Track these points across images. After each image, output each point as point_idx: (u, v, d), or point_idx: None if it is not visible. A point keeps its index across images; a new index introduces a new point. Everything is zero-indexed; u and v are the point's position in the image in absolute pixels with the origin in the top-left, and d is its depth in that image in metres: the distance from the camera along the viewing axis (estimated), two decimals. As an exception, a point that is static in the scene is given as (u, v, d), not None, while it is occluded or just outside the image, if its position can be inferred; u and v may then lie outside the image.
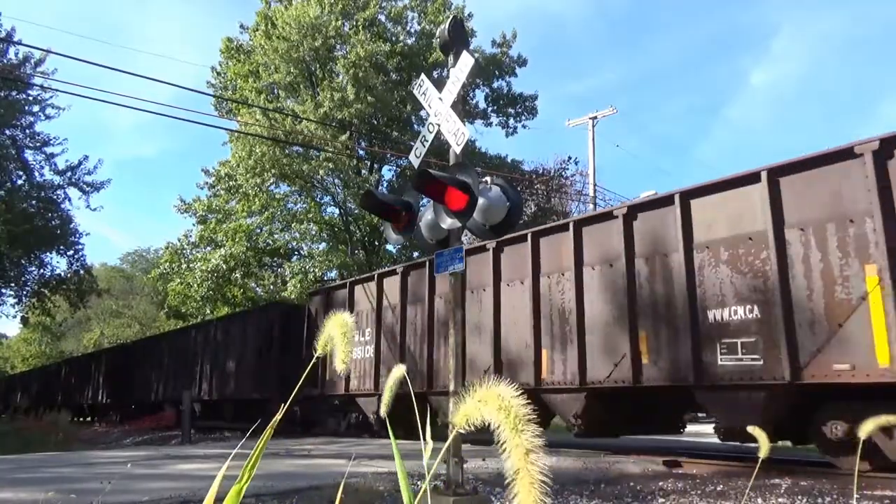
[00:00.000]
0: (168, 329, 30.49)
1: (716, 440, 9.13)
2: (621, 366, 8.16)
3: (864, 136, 6.61)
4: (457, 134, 4.83)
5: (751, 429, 1.63)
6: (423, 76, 5.35)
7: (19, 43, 22.86)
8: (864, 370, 6.21)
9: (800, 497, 5.56)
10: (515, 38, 25.16)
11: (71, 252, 26.12)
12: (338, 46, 23.03)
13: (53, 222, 25.38)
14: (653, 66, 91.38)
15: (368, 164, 24.38)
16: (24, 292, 26.81)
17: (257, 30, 24.12)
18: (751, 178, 7.29)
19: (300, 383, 1.49)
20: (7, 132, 23.73)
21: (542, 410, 8.91)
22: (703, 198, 7.76)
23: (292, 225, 23.50)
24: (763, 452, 1.49)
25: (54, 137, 25.08)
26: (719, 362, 7.23)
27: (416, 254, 22.93)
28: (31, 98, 24.32)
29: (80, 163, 25.41)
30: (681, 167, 75.27)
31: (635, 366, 8.02)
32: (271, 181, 22.64)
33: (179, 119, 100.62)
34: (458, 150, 4.87)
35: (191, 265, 24.23)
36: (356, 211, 21.99)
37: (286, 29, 22.11)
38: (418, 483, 6.04)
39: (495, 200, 4.87)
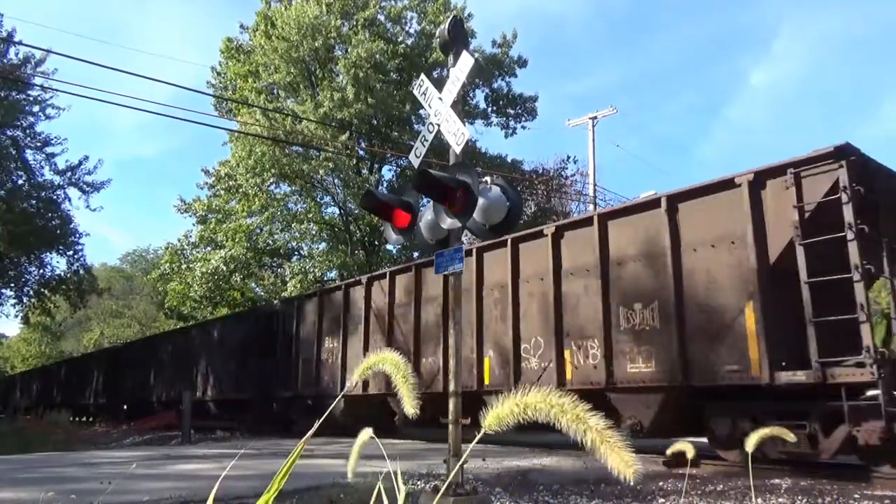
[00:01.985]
0: (169, 328, 30.42)
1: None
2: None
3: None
4: (457, 134, 4.83)
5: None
6: (422, 76, 5.35)
7: (19, 43, 22.89)
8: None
9: (800, 497, 5.56)
10: (516, 39, 25.17)
11: (71, 252, 26.12)
12: (337, 47, 23.03)
13: (53, 222, 25.36)
14: (653, 66, 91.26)
15: (368, 164, 24.38)
16: (24, 292, 26.82)
17: (257, 30, 24.11)
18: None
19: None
20: (8, 132, 23.74)
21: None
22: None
23: (292, 225, 23.49)
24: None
25: (55, 137, 25.11)
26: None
27: (416, 254, 22.95)
28: (31, 98, 24.32)
29: (80, 163, 25.43)
30: (681, 167, 75.32)
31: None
32: (271, 181, 22.64)
33: (179, 119, 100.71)
34: (458, 150, 4.86)
35: (191, 265, 24.23)
36: (356, 211, 21.97)
37: (286, 29, 22.10)
38: (418, 483, 6.04)
39: (495, 200, 4.87)
